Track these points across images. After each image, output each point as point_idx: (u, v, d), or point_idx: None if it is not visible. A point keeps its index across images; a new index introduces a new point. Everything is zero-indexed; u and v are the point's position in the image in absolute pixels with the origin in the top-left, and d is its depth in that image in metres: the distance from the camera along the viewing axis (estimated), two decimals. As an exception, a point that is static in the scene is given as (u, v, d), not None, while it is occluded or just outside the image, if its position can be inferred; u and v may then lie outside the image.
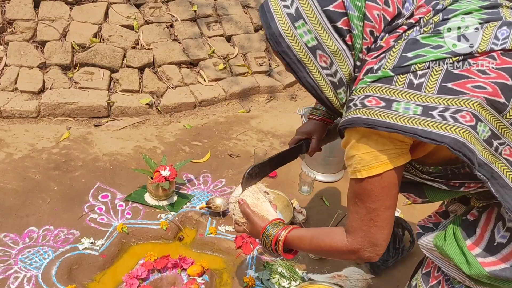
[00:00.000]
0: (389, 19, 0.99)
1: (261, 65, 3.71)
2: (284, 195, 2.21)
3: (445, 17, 1.00)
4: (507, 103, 0.89)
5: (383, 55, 0.98)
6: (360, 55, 1.01)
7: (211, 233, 2.04)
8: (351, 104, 0.97)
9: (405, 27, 1.00)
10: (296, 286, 1.76)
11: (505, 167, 0.92)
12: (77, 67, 3.09)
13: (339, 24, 0.98)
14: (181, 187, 2.35)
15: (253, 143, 2.89)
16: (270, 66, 3.78)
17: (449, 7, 1.02)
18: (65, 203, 2.14)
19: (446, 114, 0.87)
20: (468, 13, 0.99)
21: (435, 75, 0.91)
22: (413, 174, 1.08)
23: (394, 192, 1.00)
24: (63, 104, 2.85)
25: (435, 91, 0.90)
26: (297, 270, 1.87)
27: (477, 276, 1.00)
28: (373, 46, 1.01)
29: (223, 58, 3.60)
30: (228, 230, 2.07)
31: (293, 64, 1.05)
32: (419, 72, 0.92)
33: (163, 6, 3.58)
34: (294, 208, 2.18)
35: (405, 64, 0.93)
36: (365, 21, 0.97)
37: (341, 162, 2.53)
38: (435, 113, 0.88)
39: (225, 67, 3.54)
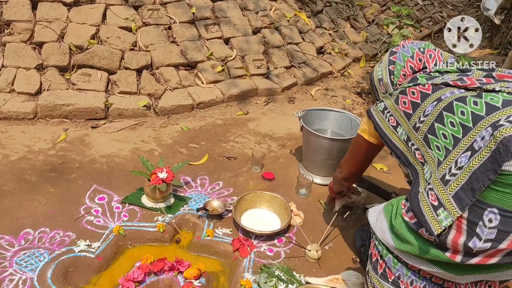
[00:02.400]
0: (416, 70, 1.55)
1: (259, 68, 3.71)
2: (281, 198, 2.20)
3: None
4: (412, 113, 1.39)
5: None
6: (395, 87, 1.58)
7: (208, 235, 2.03)
8: None
9: (422, 72, 1.52)
10: (293, 289, 1.75)
11: (420, 168, 1.36)
12: (75, 69, 3.08)
13: (390, 67, 1.60)
14: (178, 189, 2.34)
15: (251, 146, 2.88)
16: (268, 68, 3.78)
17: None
18: (61, 205, 2.12)
19: (387, 114, 1.50)
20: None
21: (401, 92, 1.46)
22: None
23: (357, 151, 1.74)
24: (60, 106, 2.84)
25: (393, 99, 1.48)
26: (294, 273, 1.86)
27: (399, 227, 1.33)
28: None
29: (221, 61, 3.59)
30: (225, 233, 2.06)
31: (373, 87, 1.71)
32: (400, 91, 1.46)
33: (161, 8, 3.58)
34: (291, 210, 2.17)
35: (399, 86, 1.52)
36: (402, 69, 1.56)
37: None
38: (385, 112, 1.51)
39: (223, 70, 3.54)
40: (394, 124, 1.44)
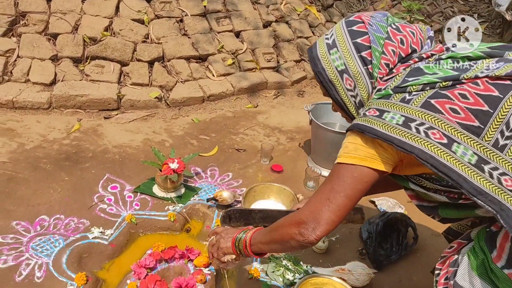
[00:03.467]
0: (403, 55, 1.19)
1: (269, 61, 3.74)
2: (289, 190, 2.24)
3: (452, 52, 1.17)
4: (483, 127, 1.01)
5: (391, 79, 1.18)
6: (376, 83, 1.20)
7: (218, 225, 2.07)
8: (359, 115, 1.19)
9: (417, 59, 1.18)
10: (300, 279, 1.79)
11: None
12: (88, 60, 3.13)
13: (363, 54, 1.19)
14: (189, 179, 2.39)
15: (260, 138, 2.92)
16: (278, 62, 3.80)
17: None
18: (75, 193, 2.18)
19: (421, 128, 1.04)
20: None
21: (425, 94, 1.08)
22: (421, 185, 1.24)
23: (360, 187, 1.11)
24: (74, 96, 2.90)
25: (419, 104, 1.06)
26: (301, 263, 1.90)
27: None
28: (387, 75, 1.20)
29: (232, 54, 3.63)
30: (234, 223, 2.11)
31: (325, 83, 1.27)
32: (414, 92, 1.09)
33: (173, 1, 3.61)
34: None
35: (403, 86, 1.11)
36: (382, 55, 1.18)
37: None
38: (413, 125, 1.05)
39: (233, 62, 3.57)
40: (445, 141, 1.02)
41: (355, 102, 1.26)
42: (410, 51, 1.20)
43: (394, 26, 1.20)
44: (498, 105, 1.01)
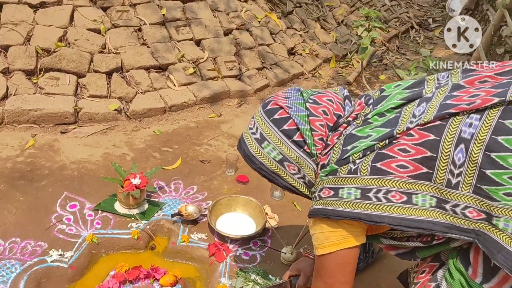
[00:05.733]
0: (331, 124, 1.22)
1: (231, 69, 3.71)
2: (256, 201, 2.22)
3: (374, 108, 1.20)
4: (431, 171, 1.04)
5: (329, 151, 1.20)
6: (318, 159, 1.23)
7: (184, 241, 2.02)
8: (313, 197, 1.22)
9: (345, 124, 1.22)
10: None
11: (486, 225, 0.99)
12: (42, 72, 3.01)
13: (295, 138, 1.21)
14: (152, 194, 2.32)
15: (225, 149, 2.88)
16: (240, 70, 3.78)
17: (377, 99, 1.23)
18: (31, 214, 2.08)
19: (380, 195, 1.07)
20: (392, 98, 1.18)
21: (368, 159, 1.10)
22: (393, 237, 1.25)
23: (349, 269, 1.18)
24: (27, 111, 2.77)
25: (367, 172, 1.09)
26: (270, 276, 1.88)
27: None
28: (325, 148, 1.22)
29: (193, 62, 3.58)
30: (201, 238, 2.06)
31: (269, 176, 1.29)
32: (357, 161, 1.12)
33: (130, 9, 3.53)
34: (266, 214, 2.19)
35: (345, 157, 1.14)
36: (313, 132, 1.20)
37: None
38: (371, 194, 1.07)
39: (195, 71, 3.52)
40: (405, 199, 1.05)
41: (304, 182, 1.28)
42: (335, 118, 1.23)
43: (311, 101, 1.23)
44: (439, 147, 1.02)
